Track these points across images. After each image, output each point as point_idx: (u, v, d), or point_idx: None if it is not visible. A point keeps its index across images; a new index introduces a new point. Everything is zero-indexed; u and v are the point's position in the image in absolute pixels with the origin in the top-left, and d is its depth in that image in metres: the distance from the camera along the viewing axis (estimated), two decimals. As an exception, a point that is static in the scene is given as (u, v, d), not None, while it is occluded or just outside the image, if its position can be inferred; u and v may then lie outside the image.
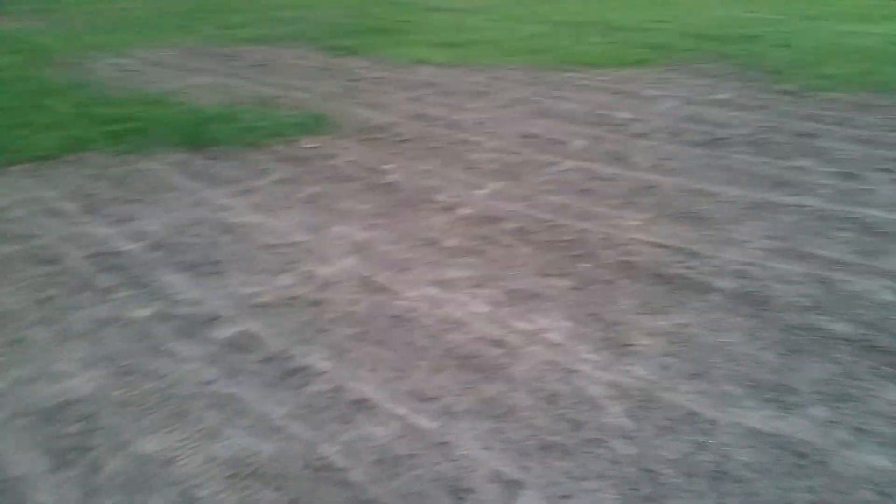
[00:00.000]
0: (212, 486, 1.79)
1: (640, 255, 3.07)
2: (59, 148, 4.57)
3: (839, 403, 2.10)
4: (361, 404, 2.11)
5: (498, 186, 3.88)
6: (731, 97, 5.57)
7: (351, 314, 2.61)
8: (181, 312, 2.63)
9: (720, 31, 8.61)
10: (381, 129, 4.95)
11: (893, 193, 3.67)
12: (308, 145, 4.65)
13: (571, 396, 2.13)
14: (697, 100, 5.52)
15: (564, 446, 1.93)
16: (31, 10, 12.94)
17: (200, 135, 4.76)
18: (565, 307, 2.65)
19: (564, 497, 1.75)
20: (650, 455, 1.89)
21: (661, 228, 3.34)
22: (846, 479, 1.82)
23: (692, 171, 4.06)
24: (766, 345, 2.40)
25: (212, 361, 2.32)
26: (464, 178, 4.01)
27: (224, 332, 2.50)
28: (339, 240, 3.25)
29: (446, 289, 2.78)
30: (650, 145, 4.51)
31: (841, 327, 2.50)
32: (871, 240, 3.16)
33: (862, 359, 2.32)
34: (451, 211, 3.55)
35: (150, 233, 3.36)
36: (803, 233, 3.24)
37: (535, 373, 2.25)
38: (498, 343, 2.41)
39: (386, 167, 4.20)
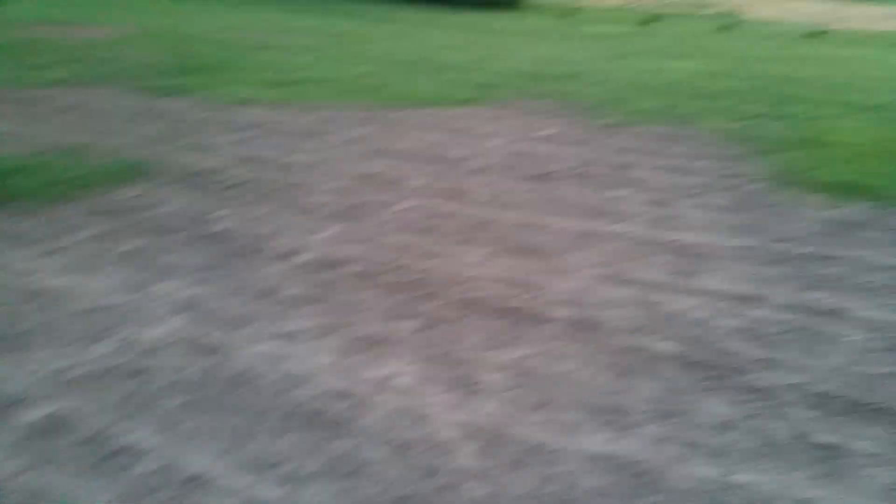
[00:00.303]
0: None
1: (482, 290, 3.13)
2: None
3: (668, 420, 2.24)
4: (196, 481, 1.92)
5: (337, 229, 3.80)
6: (556, 133, 5.93)
7: (180, 381, 2.40)
8: (-25, 397, 2.28)
9: (542, 70, 9.21)
10: (208, 175, 4.70)
11: (701, 217, 4.06)
12: (125, 195, 4.30)
13: (423, 442, 2.09)
14: (526, 136, 5.82)
15: (418, 496, 1.87)
16: None
17: (-2, 190, 4.24)
18: (413, 350, 2.62)
19: (420, 554, 1.69)
20: (501, 493, 1.89)
21: (501, 262, 3.43)
22: (681, 492, 1.92)
23: (526, 204, 4.24)
24: (599, 369, 2.51)
25: (17, 451, 2.02)
26: (300, 223, 3.89)
27: (31, 415, 2.19)
28: (164, 298, 3.00)
29: (287, 342, 2.65)
30: (486, 181, 4.66)
31: (664, 346, 2.68)
32: (686, 261, 3.45)
33: (684, 374, 2.50)
34: (288, 258, 3.42)
35: (-65, 306, 2.91)
36: (626, 258, 3.48)
37: (386, 422, 2.19)
38: (345, 395, 2.32)
39: (214, 215, 3.97)
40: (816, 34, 19.79)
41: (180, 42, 11.22)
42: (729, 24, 21.54)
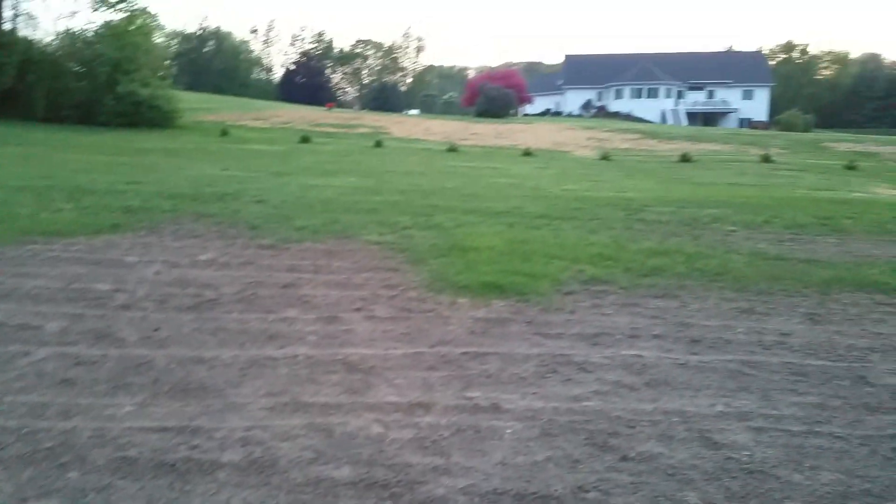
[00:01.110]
0: None
1: (138, 446, 2.72)
2: None
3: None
4: None
5: (-63, 400, 3.02)
6: (216, 256, 5.69)
7: None
8: None
9: (198, 190, 8.90)
10: None
11: (368, 330, 4.17)
12: None
13: None
14: (182, 262, 5.46)
15: None
16: None
17: None
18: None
19: None
20: None
21: (159, 409, 3.05)
22: None
23: (185, 338, 3.90)
24: (279, 516, 2.32)
25: None
26: None
27: None
28: None
29: None
30: (137, 316, 4.20)
31: (343, 472, 2.60)
32: (358, 377, 3.47)
33: (364, 499, 2.44)
34: None
35: None
36: (298, 383, 3.37)
37: None
38: None
39: None
40: (453, 150, 23.00)
41: None
42: (379, 142, 23.81)
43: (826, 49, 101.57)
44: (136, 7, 25.98)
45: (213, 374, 3.44)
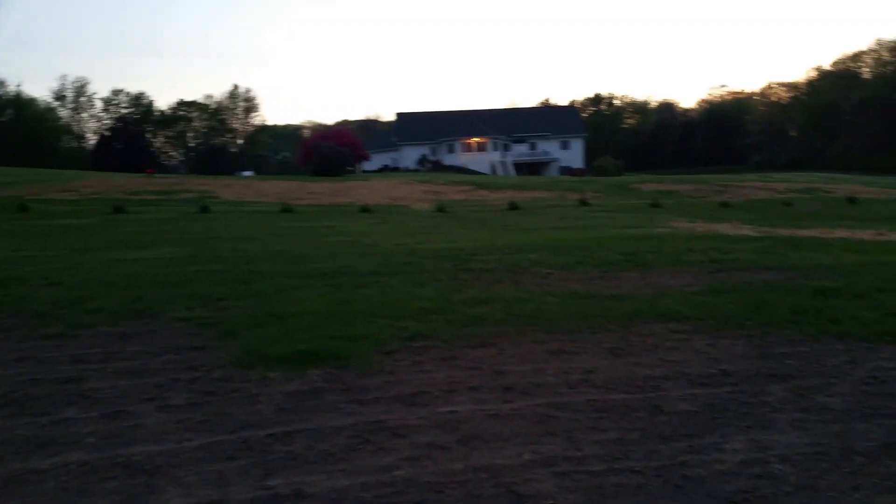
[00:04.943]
0: None
1: None
2: None
3: None
4: None
5: None
6: (-12, 352, 4.94)
7: None
8: None
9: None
10: None
11: (160, 422, 3.75)
12: None
13: None
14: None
15: None
16: None
17: None
18: None
19: None
20: None
21: None
22: None
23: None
24: None
25: None
26: None
27: None
28: None
29: None
30: None
31: None
32: (139, 481, 3.07)
33: None
34: None
35: None
36: (64, 498, 2.92)
37: None
38: None
39: None
40: (288, 210, 22.48)
41: None
42: (205, 207, 22.74)
43: (629, 100, 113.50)
44: None
45: (-42, 500, 2.89)
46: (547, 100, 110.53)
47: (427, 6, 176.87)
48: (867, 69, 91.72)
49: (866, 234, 13.16)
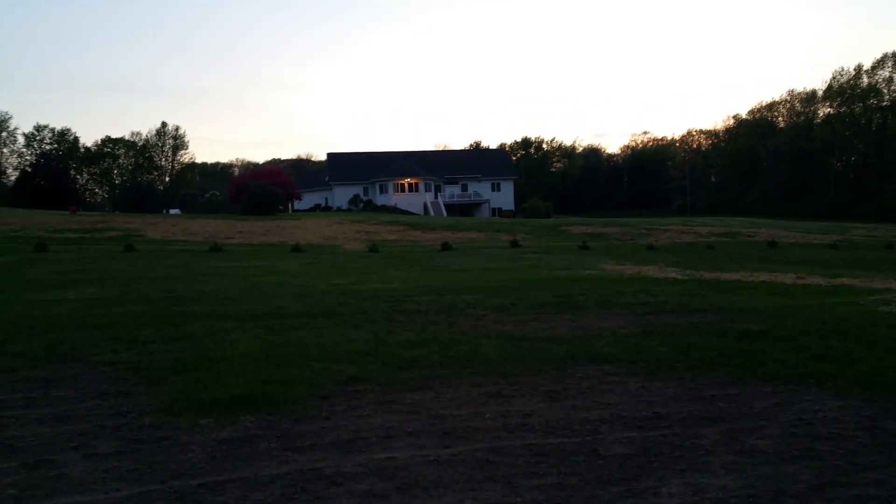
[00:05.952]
0: None
1: None
2: None
3: None
4: None
5: None
6: None
7: None
8: None
9: None
10: None
11: (86, 471, 3.58)
12: None
13: None
14: None
15: None
16: None
17: None
18: None
19: None
20: None
21: None
22: None
23: None
24: None
25: None
26: None
27: None
28: None
29: None
30: None
31: None
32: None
33: None
34: None
35: None
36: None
37: None
38: None
39: None
40: (217, 249, 21.94)
41: None
42: (130, 245, 21.97)
43: (556, 144, 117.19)
44: None
45: None
46: (478, 142, 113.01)
47: (359, 48, 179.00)
48: (781, 118, 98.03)
49: (787, 278, 13.75)
